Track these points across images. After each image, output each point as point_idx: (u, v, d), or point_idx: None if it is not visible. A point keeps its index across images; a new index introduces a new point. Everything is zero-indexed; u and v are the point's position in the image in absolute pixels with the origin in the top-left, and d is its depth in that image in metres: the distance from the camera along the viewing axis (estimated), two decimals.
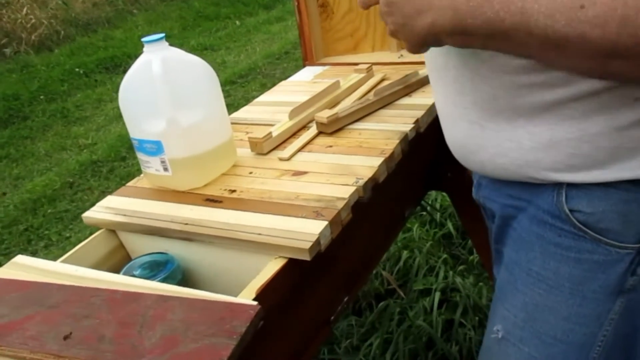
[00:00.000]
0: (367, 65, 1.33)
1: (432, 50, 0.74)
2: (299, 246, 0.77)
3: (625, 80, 0.58)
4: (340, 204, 0.85)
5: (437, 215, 2.06)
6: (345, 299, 1.09)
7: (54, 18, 5.75)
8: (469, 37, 0.59)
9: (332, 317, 1.05)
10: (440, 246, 1.94)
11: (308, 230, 0.79)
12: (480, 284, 1.70)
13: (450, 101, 0.76)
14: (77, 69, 4.95)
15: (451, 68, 0.73)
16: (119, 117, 4.05)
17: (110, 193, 1.01)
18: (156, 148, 0.92)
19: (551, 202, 0.70)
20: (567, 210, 0.69)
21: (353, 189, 0.88)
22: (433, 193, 2.16)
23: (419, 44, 0.65)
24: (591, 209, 0.67)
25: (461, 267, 1.82)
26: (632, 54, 0.50)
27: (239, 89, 4.16)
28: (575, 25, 0.51)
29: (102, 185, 3.12)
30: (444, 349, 1.49)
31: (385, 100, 1.16)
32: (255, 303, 0.67)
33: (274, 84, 1.47)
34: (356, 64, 1.37)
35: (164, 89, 0.90)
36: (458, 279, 1.71)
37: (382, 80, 1.30)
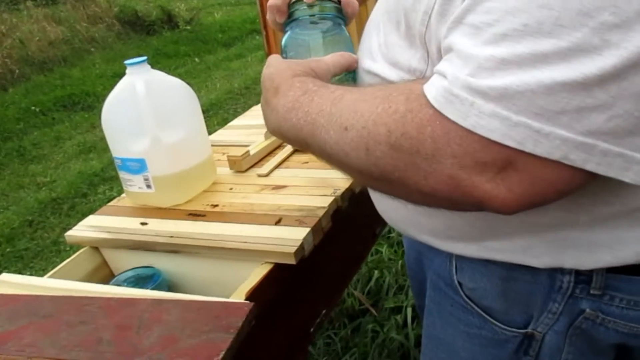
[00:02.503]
0: None
1: None
2: (284, 251, 0.81)
3: (398, 198, 0.55)
4: (320, 212, 0.89)
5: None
6: (324, 312, 1.12)
7: (9, 57, 5.68)
8: (286, 139, 0.61)
9: (312, 329, 1.08)
10: None
11: (292, 237, 0.83)
12: None
13: None
14: (33, 108, 4.88)
15: None
16: (79, 154, 4.01)
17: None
18: (140, 166, 0.95)
19: (444, 269, 0.68)
20: (457, 282, 0.66)
21: (332, 199, 0.92)
22: None
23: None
24: (473, 284, 0.65)
25: None
26: (383, 179, 0.50)
27: None
28: (341, 145, 0.51)
29: (63, 222, 3.07)
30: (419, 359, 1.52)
31: None
32: (248, 302, 0.69)
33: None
34: None
35: (148, 109, 0.93)
36: None
37: None
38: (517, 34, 0.42)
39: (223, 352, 0.61)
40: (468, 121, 0.43)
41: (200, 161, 1.00)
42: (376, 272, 1.91)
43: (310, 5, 0.70)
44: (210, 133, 1.32)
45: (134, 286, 0.86)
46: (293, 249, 0.80)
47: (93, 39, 6.49)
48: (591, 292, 0.59)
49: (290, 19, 0.71)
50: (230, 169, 1.09)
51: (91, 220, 0.99)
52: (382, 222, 1.48)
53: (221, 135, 1.32)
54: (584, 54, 0.41)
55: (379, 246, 2.07)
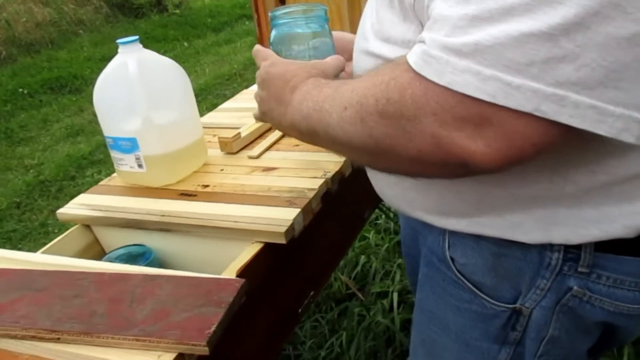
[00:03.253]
0: None
1: None
2: (275, 230, 0.82)
3: (398, 174, 0.58)
4: (310, 194, 0.90)
5: (392, 224, 2.14)
6: (312, 294, 1.14)
7: None
8: (300, 133, 0.65)
9: (300, 310, 1.10)
10: (395, 252, 2.01)
11: (283, 217, 0.84)
12: None
13: None
14: (20, 89, 4.83)
15: None
16: (66, 137, 3.98)
17: None
18: (131, 145, 0.96)
19: (437, 245, 0.69)
20: (449, 257, 0.68)
21: (322, 180, 0.94)
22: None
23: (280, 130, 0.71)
24: (465, 260, 0.66)
25: None
26: (378, 151, 0.53)
27: None
28: (341, 125, 0.55)
29: (51, 205, 3.06)
30: (404, 343, 1.55)
31: None
32: (240, 278, 0.71)
33: None
34: None
35: (140, 89, 0.93)
36: None
37: None
38: None
39: (214, 326, 0.62)
40: (444, 79, 0.45)
41: (192, 142, 1.01)
42: (363, 257, 1.93)
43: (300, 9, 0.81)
44: (200, 117, 1.33)
45: (125, 264, 0.87)
46: (283, 229, 0.82)
47: (81, 21, 6.42)
48: (579, 269, 0.60)
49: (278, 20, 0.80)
50: (222, 150, 1.10)
51: (83, 198, 0.99)
52: (370, 207, 1.50)
53: (212, 117, 1.33)
54: (546, 4, 0.42)
55: (367, 232, 2.09)
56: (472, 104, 0.44)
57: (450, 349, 0.74)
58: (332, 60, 0.73)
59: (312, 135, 0.62)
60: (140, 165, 0.97)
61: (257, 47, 0.77)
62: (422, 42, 0.48)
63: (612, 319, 0.63)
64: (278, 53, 0.79)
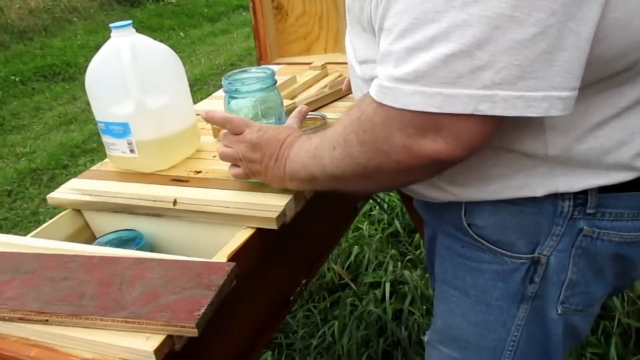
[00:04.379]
0: (321, 63, 1.39)
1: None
2: (266, 216, 0.82)
3: (392, 188, 0.70)
4: None
5: (385, 216, 2.15)
6: (304, 282, 1.14)
7: None
8: (300, 180, 0.77)
9: (291, 298, 1.10)
10: (389, 243, 2.01)
11: (274, 202, 0.84)
12: (427, 275, 1.78)
13: None
14: (12, 77, 4.80)
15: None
16: (59, 125, 3.96)
17: None
18: (123, 130, 0.95)
19: (455, 216, 0.76)
20: (466, 224, 0.74)
21: None
22: (382, 194, 2.25)
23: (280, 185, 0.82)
24: (483, 222, 0.73)
25: (408, 262, 1.91)
26: (368, 174, 0.66)
27: None
28: (334, 162, 0.68)
29: (43, 193, 3.04)
30: (395, 333, 1.55)
31: (340, 92, 1.23)
32: (230, 262, 0.71)
33: None
34: (310, 64, 1.43)
35: (133, 73, 0.93)
36: (406, 272, 1.79)
37: (338, 77, 1.37)
38: (413, 27, 0.55)
39: (204, 307, 0.62)
40: (399, 103, 0.57)
41: (184, 127, 1.01)
42: (356, 247, 1.93)
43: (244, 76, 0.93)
44: (194, 105, 1.32)
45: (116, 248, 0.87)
46: (275, 214, 0.82)
47: (75, 8, 6.37)
48: (587, 212, 0.68)
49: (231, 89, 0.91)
50: (214, 137, 1.09)
51: (74, 183, 0.99)
52: (363, 197, 1.50)
53: (206, 105, 1.32)
54: (459, 28, 0.53)
55: (360, 223, 2.10)
56: (426, 116, 0.56)
57: (467, 315, 0.79)
58: (289, 121, 0.90)
59: (311, 179, 0.74)
60: (132, 150, 0.96)
61: (230, 116, 0.86)
62: (377, 77, 0.60)
63: (620, 249, 0.71)
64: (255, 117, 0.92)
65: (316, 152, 0.72)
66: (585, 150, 0.65)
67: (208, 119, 0.88)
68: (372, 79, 0.63)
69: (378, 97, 0.59)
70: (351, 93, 1.25)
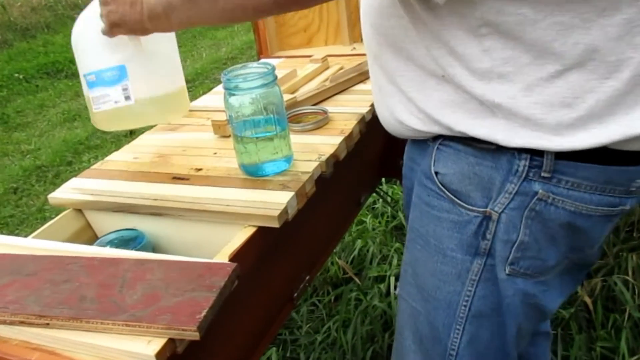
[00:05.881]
0: (322, 56, 1.38)
1: (364, 27, 0.83)
2: (268, 214, 0.81)
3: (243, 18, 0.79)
4: (304, 177, 0.89)
5: (389, 209, 2.14)
6: (307, 278, 1.14)
7: None
8: (164, 17, 0.80)
9: (295, 294, 1.09)
10: (393, 236, 2.00)
11: (276, 200, 0.83)
12: None
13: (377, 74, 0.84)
14: (16, 75, 4.79)
15: (375, 41, 0.81)
16: (63, 122, 3.96)
17: None
18: (118, 74, 0.92)
19: (427, 164, 0.78)
20: (433, 172, 0.77)
21: (316, 164, 0.93)
22: (385, 187, 2.24)
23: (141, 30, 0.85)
24: (445, 170, 0.75)
25: None
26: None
27: None
28: None
29: (48, 190, 3.04)
30: None
31: (341, 86, 1.22)
32: (231, 263, 0.70)
33: None
34: (310, 57, 1.42)
35: None
36: None
37: (339, 70, 1.36)
38: None
39: (205, 310, 0.61)
40: None
41: (178, 87, 1.01)
42: (360, 241, 1.92)
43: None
44: (195, 100, 1.32)
45: (117, 248, 0.86)
46: (277, 212, 0.81)
47: (76, 5, 6.35)
48: (542, 175, 0.69)
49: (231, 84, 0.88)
50: (215, 133, 1.09)
51: (75, 182, 0.98)
52: (367, 191, 1.49)
53: (206, 100, 1.31)
54: None
55: (363, 216, 2.09)
56: None
57: (427, 265, 0.80)
58: None
59: (168, 10, 0.79)
60: (127, 97, 0.93)
61: None
62: None
63: (574, 219, 0.71)
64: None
65: None
66: (530, 104, 0.66)
67: None
68: None
69: None
70: (352, 86, 1.24)
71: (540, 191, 0.70)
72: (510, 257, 0.74)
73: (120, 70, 0.92)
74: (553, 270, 0.77)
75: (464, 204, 0.75)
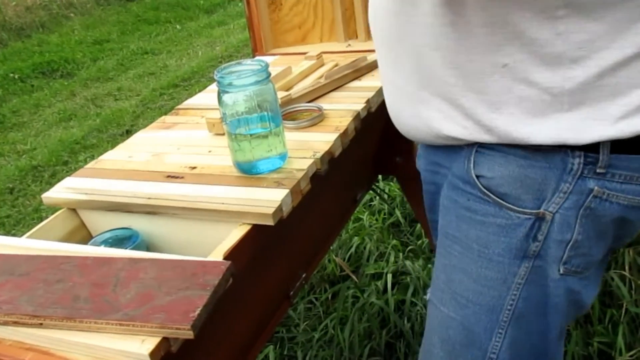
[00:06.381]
0: (316, 53, 1.38)
1: (383, 27, 0.79)
2: (262, 212, 0.81)
3: None
4: (299, 175, 0.89)
5: (386, 206, 2.13)
6: (303, 276, 1.14)
7: None
8: None
9: (292, 292, 1.09)
10: (390, 233, 2.00)
11: (270, 198, 0.83)
12: (429, 266, 1.77)
13: (390, 69, 0.81)
14: (11, 74, 4.78)
15: (401, 42, 0.77)
16: (59, 122, 3.95)
17: None
18: None
19: (462, 168, 0.76)
20: (474, 176, 0.74)
21: (311, 161, 0.93)
22: (382, 184, 2.23)
23: None
24: (492, 174, 0.73)
25: (410, 253, 1.90)
26: None
27: (182, 92, 4.13)
28: None
29: (45, 190, 3.00)
30: (398, 324, 1.55)
31: (336, 83, 1.22)
32: (225, 261, 0.70)
33: None
34: (305, 54, 1.41)
35: None
36: (408, 263, 1.78)
37: (334, 67, 1.36)
38: None
39: (199, 309, 0.61)
40: None
41: None
42: (357, 239, 1.92)
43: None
44: (190, 99, 1.31)
45: (111, 247, 0.86)
46: (271, 210, 0.81)
47: (71, 4, 6.33)
48: (597, 171, 0.68)
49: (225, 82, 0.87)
50: (209, 131, 1.08)
51: (69, 182, 0.98)
52: (363, 188, 1.49)
53: (201, 98, 1.30)
54: None
55: (360, 213, 2.08)
56: None
57: (468, 271, 0.77)
58: None
59: None
60: None
61: None
62: None
63: (627, 213, 0.71)
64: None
65: None
66: (602, 90, 0.64)
67: None
68: None
69: None
70: (347, 82, 1.24)
71: (596, 188, 0.69)
72: (564, 257, 0.73)
73: None
74: (597, 265, 0.77)
75: (513, 207, 0.72)
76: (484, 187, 0.74)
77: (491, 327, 0.77)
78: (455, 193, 0.78)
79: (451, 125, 0.74)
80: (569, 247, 0.72)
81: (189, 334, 0.59)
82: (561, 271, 0.74)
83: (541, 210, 0.71)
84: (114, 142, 3.30)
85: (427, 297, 0.87)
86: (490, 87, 0.69)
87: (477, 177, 0.74)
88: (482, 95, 0.69)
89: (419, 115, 0.77)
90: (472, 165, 0.74)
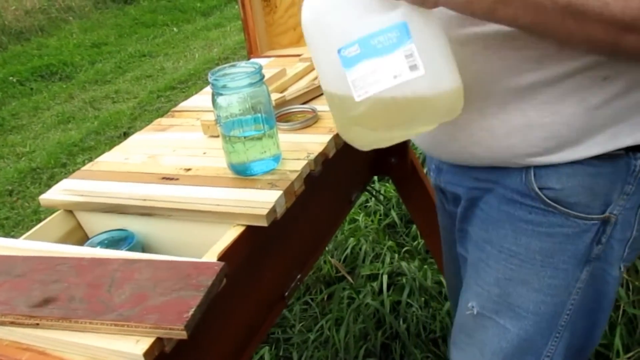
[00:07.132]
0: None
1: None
2: (256, 213, 0.82)
3: (633, 55, 0.63)
4: (293, 176, 0.90)
5: (381, 207, 2.15)
6: (298, 277, 1.15)
7: None
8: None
9: (287, 293, 1.10)
10: (385, 234, 2.01)
11: (264, 199, 0.84)
12: (425, 267, 1.78)
13: None
14: (10, 78, 4.79)
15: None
16: (57, 124, 3.96)
17: None
18: (399, 35, 0.64)
19: (519, 182, 0.76)
20: (537, 189, 0.75)
21: (305, 162, 0.94)
22: (377, 185, 2.25)
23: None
24: (560, 185, 0.73)
25: (406, 254, 1.91)
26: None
27: (179, 94, 4.15)
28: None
29: (43, 192, 3.03)
30: (394, 325, 1.56)
31: None
32: (219, 262, 0.71)
33: None
34: (300, 55, 1.42)
35: None
36: (403, 264, 1.79)
37: None
38: None
39: (193, 309, 0.62)
40: None
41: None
42: (352, 240, 1.94)
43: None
44: (186, 101, 1.32)
45: (107, 248, 0.87)
46: (265, 211, 0.82)
47: (70, 8, 6.35)
48: None
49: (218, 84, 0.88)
50: (204, 133, 1.09)
51: (65, 184, 0.99)
52: (358, 189, 1.50)
53: (197, 100, 1.31)
54: None
55: (356, 214, 2.10)
56: None
57: (530, 282, 0.78)
58: None
59: (539, 8, 0.59)
60: (413, 66, 0.64)
61: None
62: None
63: None
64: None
65: None
66: None
67: None
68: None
69: None
70: None
71: None
72: (625, 255, 0.76)
73: (399, 31, 0.64)
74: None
75: (581, 214, 0.74)
76: (550, 199, 0.74)
77: (549, 333, 0.79)
78: (511, 207, 0.78)
79: (527, 147, 0.74)
80: (628, 244, 0.76)
81: (183, 334, 0.60)
82: (622, 269, 0.77)
83: (607, 214, 0.74)
84: (111, 144, 3.30)
85: (475, 311, 0.83)
86: (586, 102, 0.71)
87: (541, 189, 0.74)
88: (572, 113, 0.71)
89: (480, 139, 0.76)
90: (532, 178, 0.75)
